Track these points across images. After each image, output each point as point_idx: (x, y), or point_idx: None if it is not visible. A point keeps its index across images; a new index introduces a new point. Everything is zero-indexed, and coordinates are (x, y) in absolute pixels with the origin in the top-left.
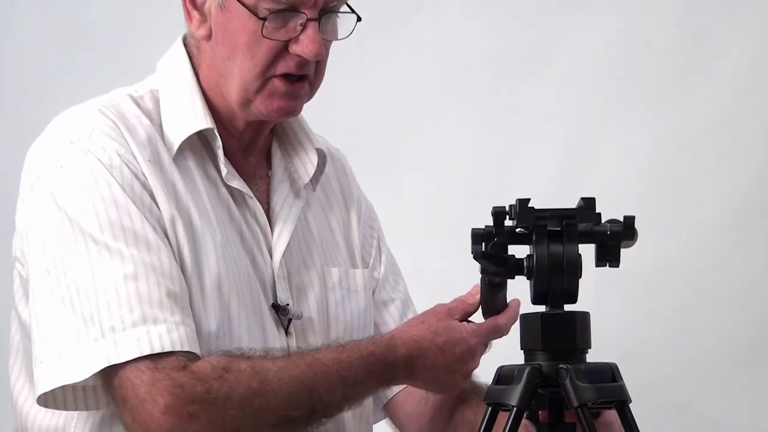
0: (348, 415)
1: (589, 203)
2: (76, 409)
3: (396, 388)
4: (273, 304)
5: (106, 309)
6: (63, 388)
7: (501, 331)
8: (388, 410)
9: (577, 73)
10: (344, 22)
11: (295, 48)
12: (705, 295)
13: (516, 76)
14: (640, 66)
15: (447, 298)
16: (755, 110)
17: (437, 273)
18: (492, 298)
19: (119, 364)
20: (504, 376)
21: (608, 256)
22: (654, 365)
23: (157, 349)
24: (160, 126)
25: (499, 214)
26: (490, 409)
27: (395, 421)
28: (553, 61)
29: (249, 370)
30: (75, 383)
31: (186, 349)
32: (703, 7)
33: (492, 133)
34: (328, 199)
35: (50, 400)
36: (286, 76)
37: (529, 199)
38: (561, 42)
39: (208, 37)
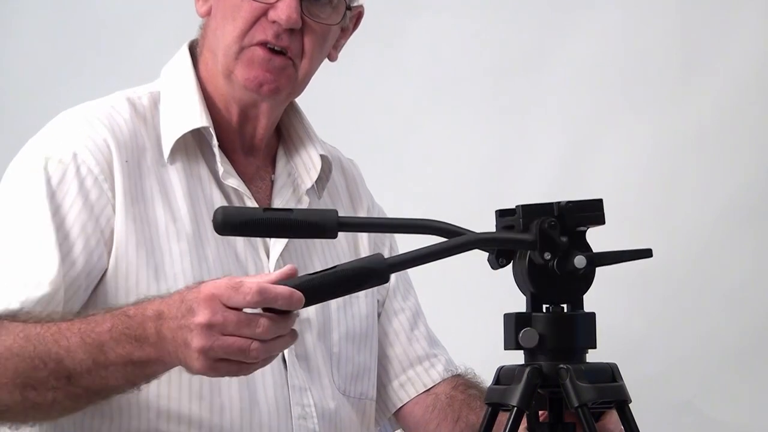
0: (353, 419)
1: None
2: None
3: (404, 397)
4: None
5: None
6: None
7: (274, 299)
8: (399, 420)
9: (578, 74)
10: (338, 10)
11: (271, 14)
12: (705, 295)
13: (516, 76)
14: (640, 66)
15: (447, 298)
16: (754, 111)
17: (437, 273)
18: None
19: None
20: (504, 376)
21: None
22: (654, 365)
23: None
24: (156, 127)
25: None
26: (490, 409)
27: (406, 429)
28: (553, 62)
29: None
30: None
31: None
32: (703, 7)
33: (492, 133)
34: (335, 206)
35: None
36: (267, 47)
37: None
38: (561, 42)
39: (209, 13)
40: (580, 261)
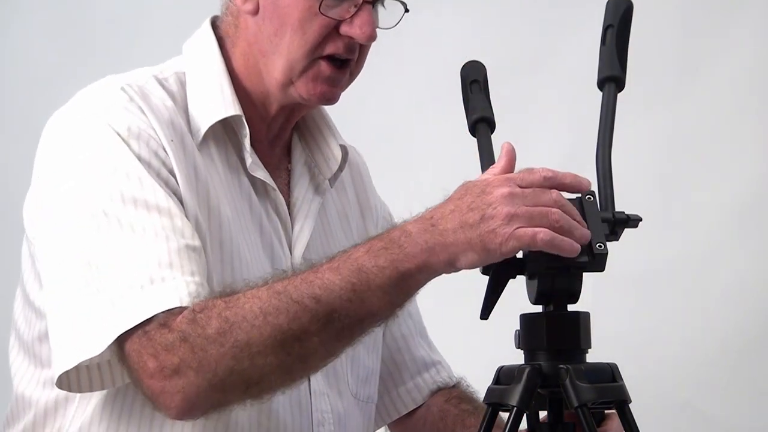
0: (359, 422)
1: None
2: (91, 390)
3: (410, 404)
4: None
5: (114, 279)
6: (79, 368)
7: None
8: (391, 427)
9: (578, 73)
10: (391, 11)
11: (346, 29)
12: (705, 295)
13: (517, 76)
14: (640, 66)
15: (447, 296)
16: (755, 111)
17: None
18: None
19: (127, 332)
20: (504, 376)
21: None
22: (653, 365)
23: (166, 307)
24: (185, 110)
25: None
26: (490, 409)
27: None
28: (553, 62)
29: (222, 303)
30: (91, 360)
31: (186, 304)
32: (703, 7)
33: (492, 133)
34: (343, 205)
35: (66, 382)
36: (332, 60)
37: None
38: (562, 42)
39: (255, 11)
40: None
